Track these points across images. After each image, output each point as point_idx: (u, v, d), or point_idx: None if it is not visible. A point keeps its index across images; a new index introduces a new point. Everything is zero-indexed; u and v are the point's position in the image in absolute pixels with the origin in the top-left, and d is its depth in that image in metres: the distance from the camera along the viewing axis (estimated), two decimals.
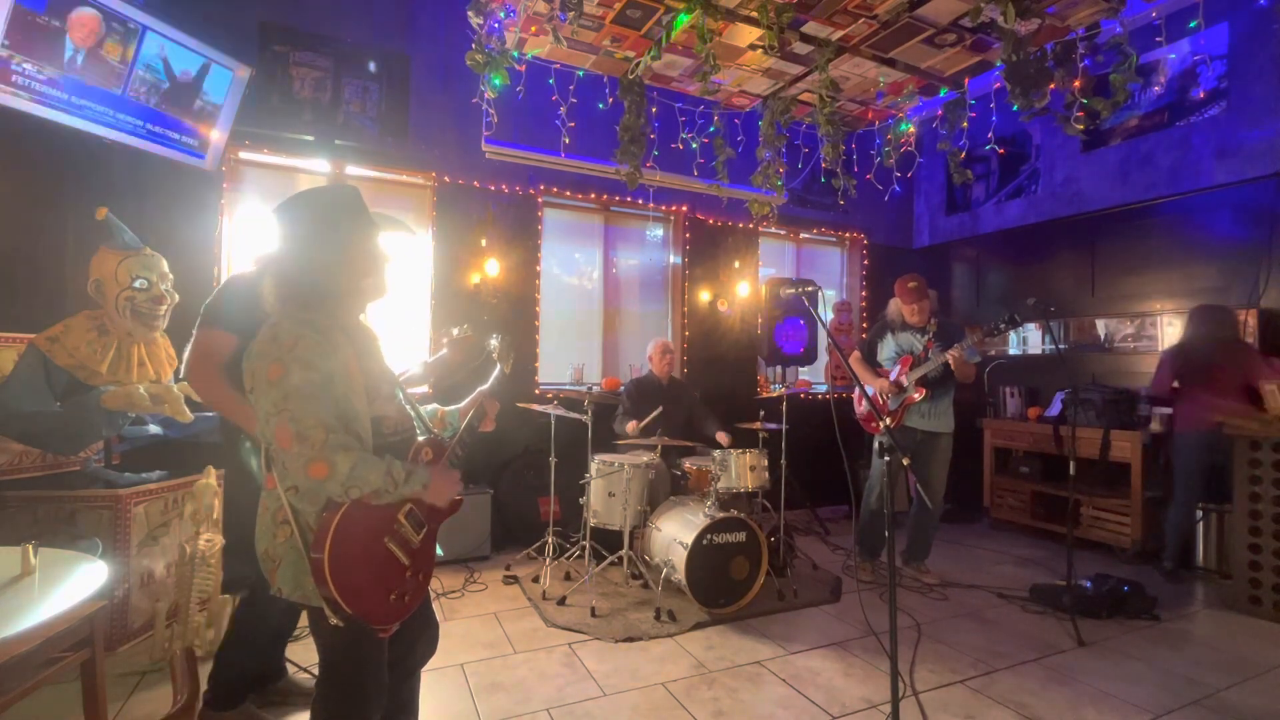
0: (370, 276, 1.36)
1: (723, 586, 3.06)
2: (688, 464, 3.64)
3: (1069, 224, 4.89)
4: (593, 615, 2.97)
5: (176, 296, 2.75)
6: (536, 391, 4.37)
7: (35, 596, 1.42)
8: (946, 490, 3.55)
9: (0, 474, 2.48)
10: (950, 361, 3.25)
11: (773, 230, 5.36)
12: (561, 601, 3.13)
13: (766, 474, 3.48)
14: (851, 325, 5.73)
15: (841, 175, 3.95)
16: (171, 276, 2.75)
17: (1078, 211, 4.81)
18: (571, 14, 2.92)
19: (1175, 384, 3.69)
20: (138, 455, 2.85)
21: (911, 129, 4.18)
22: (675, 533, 3.12)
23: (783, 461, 3.83)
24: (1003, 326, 3.17)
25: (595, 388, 4.57)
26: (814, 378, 5.67)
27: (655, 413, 3.68)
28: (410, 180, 4.15)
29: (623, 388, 4.18)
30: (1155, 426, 4.04)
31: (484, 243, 4.27)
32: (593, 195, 4.66)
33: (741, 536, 3.07)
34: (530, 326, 4.42)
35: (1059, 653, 2.74)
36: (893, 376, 3.47)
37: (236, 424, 1.92)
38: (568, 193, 4.57)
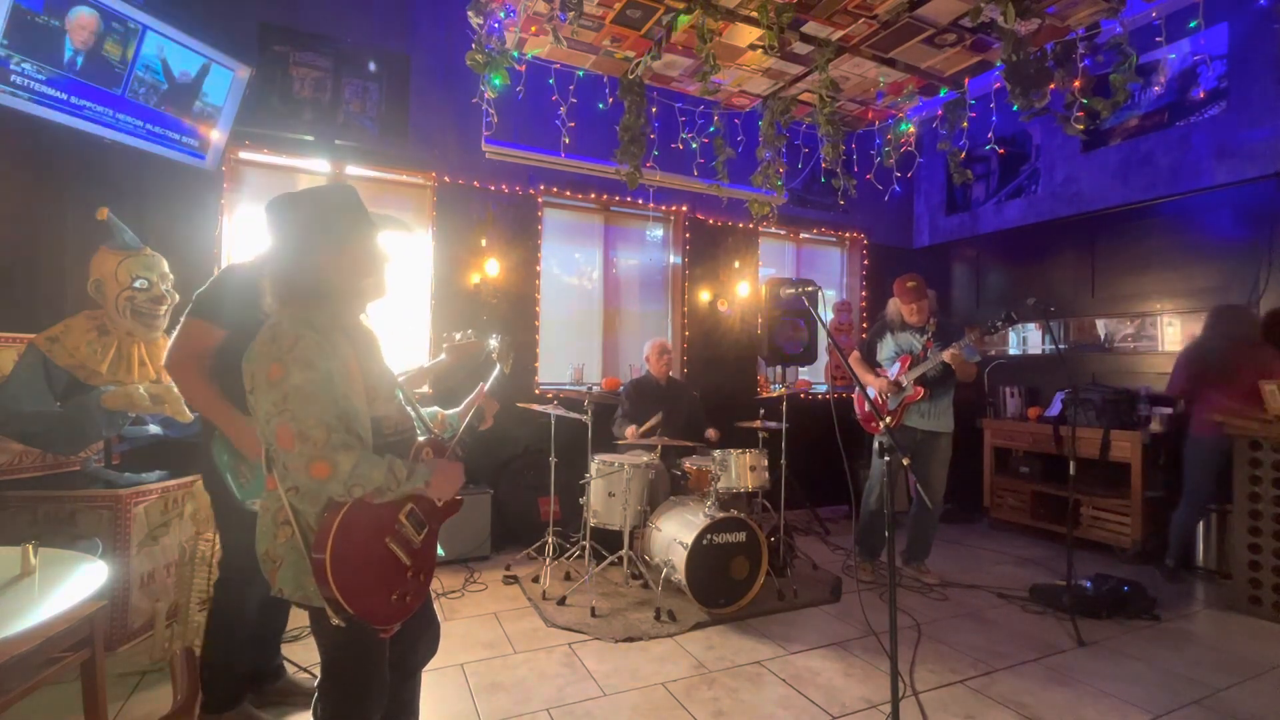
0: (370, 276, 1.35)
1: (723, 586, 3.06)
2: (688, 464, 3.64)
3: (1069, 224, 4.89)
4: (593, 615, 2.97)
5: (177, 296, 2.76)
6: (536, 391, 4.37)
7: (35, 596, 1.42)
8: (946, 490, 3.55)
9: (0, 474, 2.49)
10: (949, 361, 3.25)
11: (773, 230, 5.36)
12: (561, 601, 3.13)
13: (766, 474, 3.48)
14: (851, 325, 5.73)
15: (841, 175, 3.94)
16: (172, 276, 2.75)
17: (1078, 211, 4.81)
18: (571, 14, 2.92)
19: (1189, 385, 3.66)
20: (138, 455, 2.85)
21: (911, 129, 4.18)
22: (675, 533, 3.12)
23: (783, 461, 3.83)
24: (1000, 325, 3.17)
25: (595, 388, 4.57)
26: (814, 378, 5.67)
27: (654, 420, 3.68)
28: (410, 180, 4.15)
29: (621, 389, 4.18)
30: (1155, 426, 4.04)
31: (484, 243, 4.27)
32: (593, 195, 4.66)
33: (741, 536, 3.07)
34: (530, 326, 4.42)
35: (1059, 653, 2.74)
36: (892, 376, 3.47)
37: (213, 421, 1.84)
38: (568, 193, 4.57)
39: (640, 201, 4.73)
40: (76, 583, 1.49)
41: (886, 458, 1.75)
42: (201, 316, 1.85)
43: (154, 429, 2.83)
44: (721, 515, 3.03)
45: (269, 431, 1.18)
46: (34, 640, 1.36)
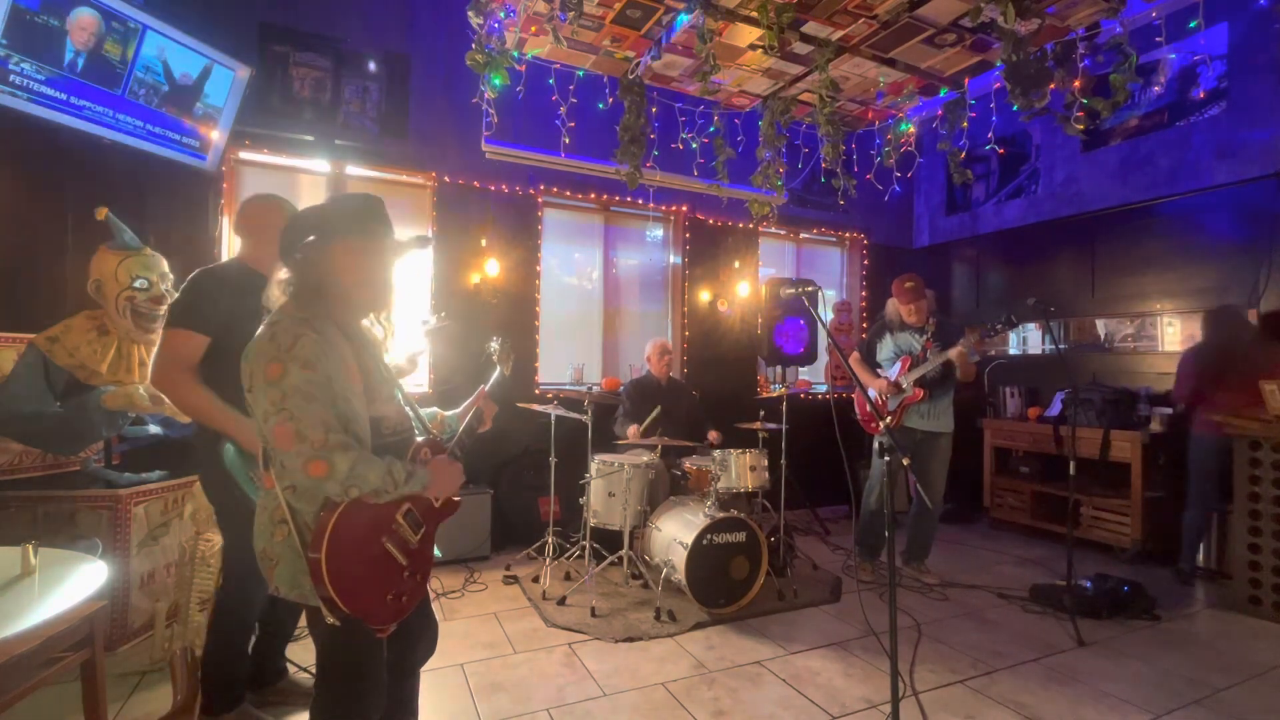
0: (375, 283, 1.36)
1: (723, 586, 3.06)
2: (688, 464, 3.64)
3: (1069, 224, 4.89)
4: (593, 615, 2.97)
5: (176, 296, 2.75)
6: (536, 391, 4.36)
7: (35, 596, 1.42)
8: (946, 490, 3.55)
9: (0, 474, 2.49)
10: (949, 361, 3.25)
11: (773, 230, 5.36)
12: (561, 601, 3.13)
13: (766, 474, 3.48)
14: (851, 325, 5.73)
15: (841, 175, 3.94)
16: (172, 276, 2.75)
17: (1078, 211, 4.81)
18: (571, 14, 2.92)
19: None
20: (138, 455, 2.84)
21: (911, 129, 4.17)
22: (675, 533, 3.12)
23: (783, 461, 3.83)
24: (1000, 327, 3.17)
25: (595, 388, 4.57)
26: (814, 378, 5.67)
27: (654, 414, 3.68)
28: (410, 180, 4.15)
29: (622, 388, 4.18)
30: (1155, 426, 4.04)
31: (484, 243, 4.27)
32: (593, 195, 4.66)
33: (741, 536, 3.07)
34: (530, 326, 4.42)
35: (1059, 653, 2.74)
36: (891, 377, 3.47)
37: (216, 430, 1.81)
38: (568, 193, 4.57)
39: (640, 201, 4.73)
40: (76, 583, 1.49)
41: (886, 458, 1.75)
42: (182, 325, 1.82)
43: (154, 429, 2.83)
44: (721, 515, 3.03)
45: (267, 430, 1.19)
46: (34, 640, 1.36)
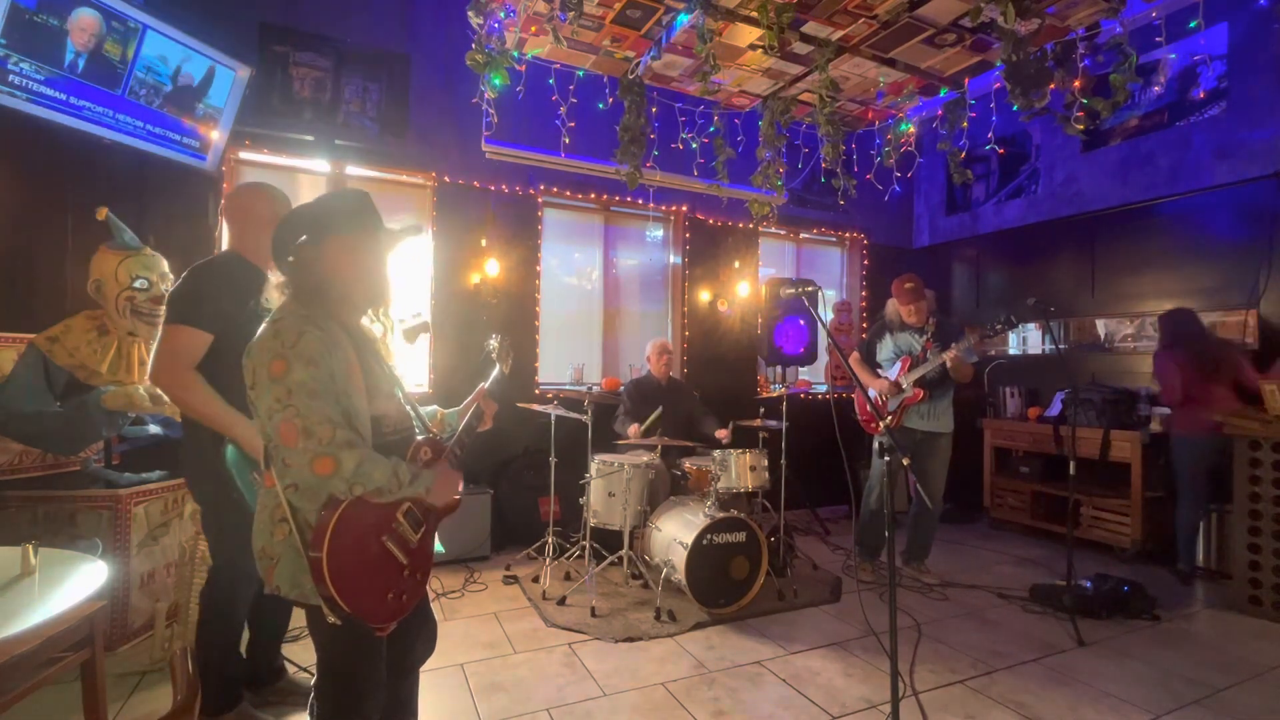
0: (374, 279, 1.37)
1: (723, 586, 3.06)
2: (688, 464, 3.64)
3: (1069, 224, 4.89)
4: (593, 615, 2.97)
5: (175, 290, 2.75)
6: (536, 391, 4.37)
7: (35, 596, 1.42)
8: (946, 490, 3.55)
9: (0, 474, 2.49)
10: (948, 362, 3.25)
11: (773, 230, 5.36)
12: (561, 601, 3.13)
13: (766, 474, 3.48)
14: (851, 325, 5.73)
15: (841, 175, 3.94)
16: (171, 276, 2.75)
17: (1078, 211, 4.81)
18: (571, 14, 2.92)
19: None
20: (138, 455, 2.85)
21: (911, 129, 4.17)
22: (675, 533, 3.12)
23: (783, 461, 3.83)
24: (999, 327, 3.18)
25: (595, 388, 4.57)
26: (814, 378, 5.67)
27: (655, 414, 3.68)
28: (410, 180, 4.15)
29: (622, 388, 4.18)
30: (1155, 426, 4.04)
31: (484, 243, 4.27)
32: (593, 195, 4.66)
33: (741, 536, 3.07)
34: (530, 326, 4.42)
35: (1059, 653, 2.74)
36: (891, 377, 3.47)
37: (217, 430, 1.78)
38: (568, 193, 4.57)
39: (640, 201, 4.73)
40: (76, 583, 1.49)
41: (886, 458, 1.75)
42: (185, 322, 1.78)
43: (154, 429, 2.83)
44: (721, 515, 3.03)
45: (271, 427, 1.18)
46: (34, 640, 1.36)
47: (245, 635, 2.11)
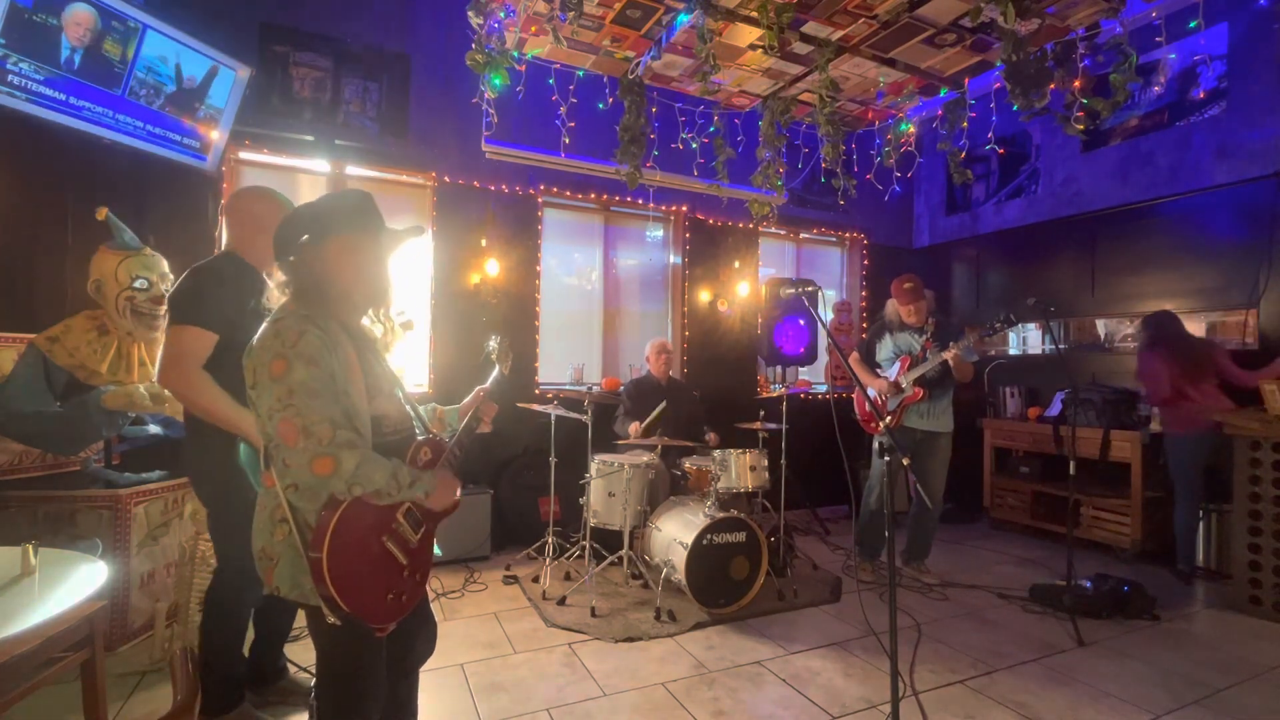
0: (374, 279, 1.37)
1: (723, 586, 3.06)
2: (688, 464, 3.64)
3: (1069, 224, 4.89)
4: (593, 615, 2.97)
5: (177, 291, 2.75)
6: (536, 391, 4.37)
7: (35, 596, 1.42)
8: (946, 490, 3.55)
9: (0, 474, 2.48)
10: (949, 361, 3.25)
11: (773, 230, 5.36)
12: (561, 601, 3.13)
13: (766, 474, 3.48)
14: (851, 325, 5.74)
15: (841, 175, 3.94)
16: (171, 276, 2.75)
17: (1078, 211, 4.81)
18: (571, 14, 2.92)
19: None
20: (138, 455, 2.85)
21: (911, 129, 4.18)
22: (675, 533, 3.12)
23: (783, 461, 3.83)
24: (998, 326, 3.18)
25: (595, 388, 4.57)
26: (814, 378, 5.67)
27: (659, 408, 3.67)
28: (410, 180, 4.15)
29: (622, 388, 4.18)
30: (1155, 426, 4.04)
31: (484, 243, 4.27)
32: (593, 195, 4.66)
33: (741, 536, 3.07)
34: (530, 326, 4.42)
35: (1059, 653, 2.74)
36: (891, 377, 3.47)
37: (228, 429, 1.79)
38: (568, 193, 4.57)
39: (640, 201, 4.73)
40: (76, 583, 1.49)
41: (886, 458, 1.75)
42: (191, 322, 1.79)
43: (154, 429, 2.83)
44: (721, 515, 3.03)
45: (271, 427, 1.18)
46: (34, 640, 1.36)
47: (248, 635, 2.10)
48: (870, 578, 3.62)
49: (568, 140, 3.77)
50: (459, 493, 1.43)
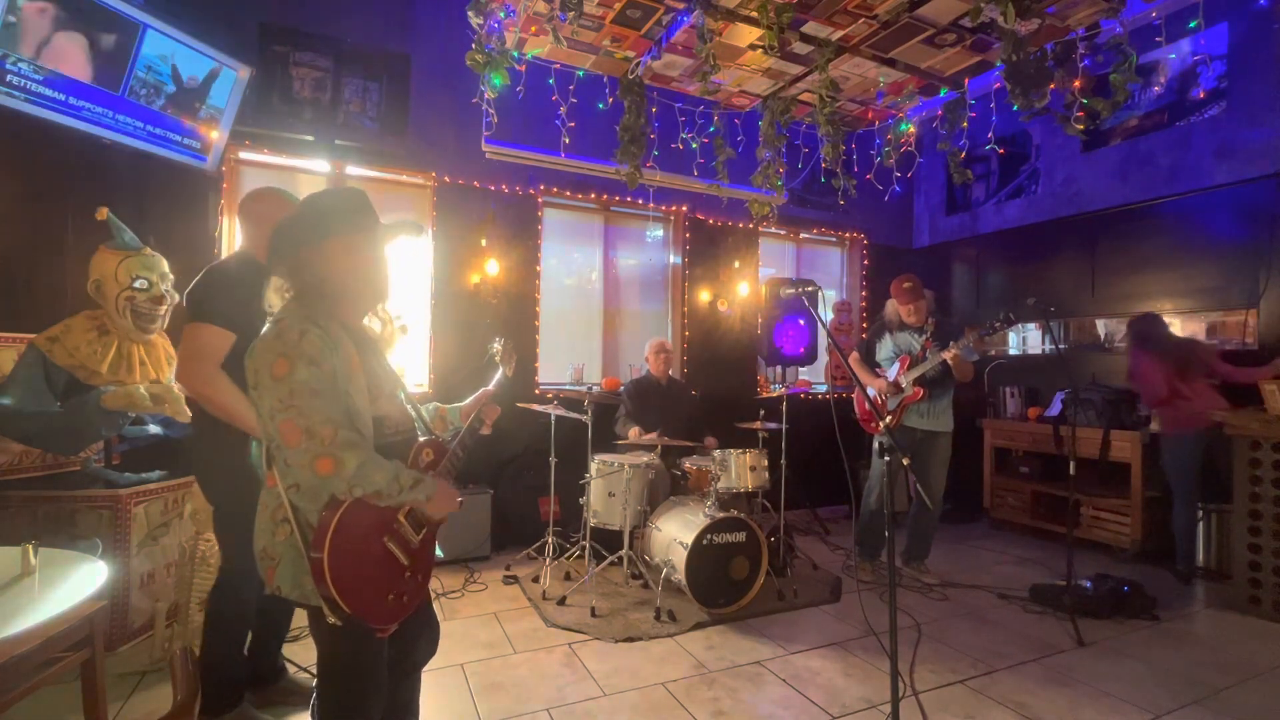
0: (374, 278, 1.37)
1: (723, 586, 3.06)
2: (688, 464, 3.64)
3: (1069, 224, 4.89)
4: (593, 615, 2.97)
5: (177, 297, 2.75)
6: (536, 391, 4.36)
7: (35, 596, 1.42)
8: (946, 490, 3.55)
9: (0, 474, 2.48)
10: (948, 361, 3.25)
11: (773, 230, 5.36)
12: (561, 601, 3.13)
13: (766, 474, 3.48)
14: (851, 325, 5.74)
15: (841, 175, 3.94)
16: (172, 276, 2.75)
17: (1078, 211, 4.81)
18: (571, 14, 2.92)
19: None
20: (138, 455, 2.84)
21: (911, 129, 4.18)
22: (675, 533, 3.12)
23: (783, 461, 3.83)
24: (998, 325, 3.18)
25: (595, 388, 4.57)
26: (814, 378, 5.67)
27: (657, 434, 3.66)
28: (410, 180, 4.15)
29: (622, 388, 4.18)
30: (1155, 426, 4.04)
31: (484, 243, 4.27)
32: (593, 195, 4.66)
33: (741, 536, 3.07)
34: (530, 326, 4.42)
35: (1059, 653, 2.74)
36: (891, 376, 3.47)
37: (244, 428, 1.81)
38: (568, 193, 4.57)
39: (640, 201, 4.73)
40: (76, 583, 1.49)
41: (886, 458, 1.75)
42: (210, 320, 1.81)
43: (154, 429, 2.83)
44: (721, 515, 3.03)
45: (273, 428, 1.18)
46: (34, 640, 1.36)
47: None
48: (870, 578, 3.62)
49: (568, 140, 3.77)
50: (457, 502, 1.41)
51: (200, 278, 1.91)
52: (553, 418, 3.52)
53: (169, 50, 3.00)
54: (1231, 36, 3.97)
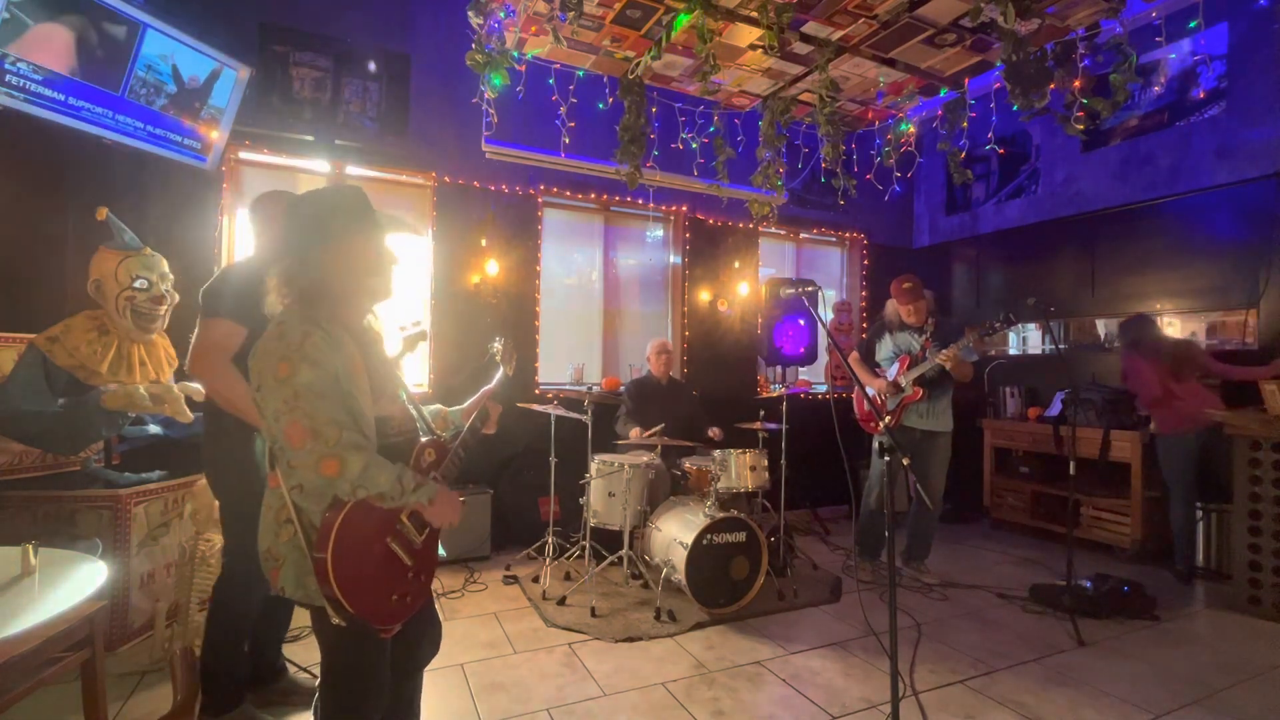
0: (375, 277, 1.36)
1: (723, 586, 3.06)
2: (688, 464, 3.64)
3: (1069, 224, 4.89)
4: (593, 615, 2.96)
5: (177, 296, 2.75)
6: (536, 391, 4.36)
7: (35, 596, 1.42)
8: (946, 490, 3.55)
9: (0, 474, 2.48)
10: (948, 361, 3.25)
11: (773, 230, 5.36)
12: (561, 601, 3.13)
13: (766, 474, 3.48)
14: (851, 325, 5.74)
15: (841, 175, 3.94)
16: (172, 276, 2.75)
17: (1078, 211, 4.81)
18: (571, 14, 2.92)
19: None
20: (138, 455, 2.84)
21: (911, 129, 4.18)
22: (675, 533, 3.12)
23: (783, 461, 3.83)
24: (998, 325, 3.18)
25: (595, 388, 4.56)
26: (814, 378, 5.67)
27: (658, 428, 3.66)
28: (410, 180, 4.15)
29: (622, 388, 4.18)
30: (1154, 426, 4.04)
31: (484, 243, 4.27)
32: (593, 195, 4.66)
33: (741, 536, 3.07)
34: (530, 326, 4.42)
35: (1059, 653, 2.74)
36: (890, 376, 3.47)
37: (252, 423, 1.82)
38: (568, 193, 4.57)
39: (640, 201, 4.73)
40: (76, 583, 1.49)
41: (886, 458, 1.75)
42: (224, 315, 1.84)
43: (154, 429, 2.83)
44: (721, 515, 3.03)
45: (278, 429, 1.18)
46: (34, 640, 1.36)
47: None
48: (870, 578, 3.62)
49: (568, 140, 3.77)
50: (458, 510, 1.39)
51: (216, 275, 1.97)
52: (553, 418, 3.52)
53: (169, 50, 3.00)
54: (1231, 36, 3.97)
